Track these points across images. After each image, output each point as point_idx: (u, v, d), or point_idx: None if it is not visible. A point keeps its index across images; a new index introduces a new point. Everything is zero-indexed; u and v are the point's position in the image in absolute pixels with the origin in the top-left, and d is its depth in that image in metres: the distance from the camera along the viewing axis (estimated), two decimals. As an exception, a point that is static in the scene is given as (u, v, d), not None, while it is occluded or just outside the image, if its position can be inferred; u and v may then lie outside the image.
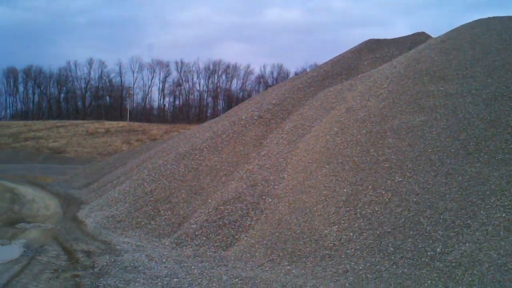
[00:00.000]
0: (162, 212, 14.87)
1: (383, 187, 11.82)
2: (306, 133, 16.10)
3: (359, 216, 11.25)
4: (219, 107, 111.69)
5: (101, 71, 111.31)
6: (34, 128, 79.63)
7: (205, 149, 17.72)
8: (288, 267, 10.37)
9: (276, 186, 13.62)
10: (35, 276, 9.63)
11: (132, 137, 69.50)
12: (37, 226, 15.63)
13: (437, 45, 17.59)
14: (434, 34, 23.70)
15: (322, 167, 13.57)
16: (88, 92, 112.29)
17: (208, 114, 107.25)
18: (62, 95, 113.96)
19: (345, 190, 12.25)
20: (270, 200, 13.09)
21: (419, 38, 23.48)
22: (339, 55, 23.58)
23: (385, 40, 24.00)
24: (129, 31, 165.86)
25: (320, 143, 14.81)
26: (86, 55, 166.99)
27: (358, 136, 14.16)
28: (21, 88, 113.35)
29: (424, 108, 14.18)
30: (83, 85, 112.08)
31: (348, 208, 11.60)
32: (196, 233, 12.93)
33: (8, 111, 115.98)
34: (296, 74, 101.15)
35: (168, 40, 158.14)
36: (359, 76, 19.19)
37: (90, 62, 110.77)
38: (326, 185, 12.75)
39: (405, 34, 25.19)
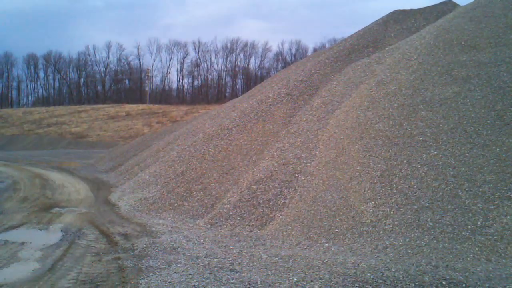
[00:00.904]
0: (194, 193, 14.93)
1: (418, 161, 11.65)
2: (335, 109, 15.92)
3: (395, 191, 11.12)
4: (237, 86, 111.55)
5: (120, 54, 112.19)
6: (56, 113, 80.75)
7: (234, 129, 17.67)
8: (326, 245, 10.33)
9: (309, 164, 13.52)
10: (77, 259, 9.76)
11: (152, 119, 69.99)
12: (71, 210, 15.83)
13: (467, 13, 17.12)
14: (461, 3, 23.14)
15: (355, 143, 13.42)
16: (108, 76, 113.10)
17: (227, 94, 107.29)
18: (82, 79, 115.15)
19: (379, 165, 12.10)
20: (303, 177, 13.01)
21: (446, 7, 22.90)
22: (365, 27, 23.13)
23: (411, 10, 23.44)
24: (146, 12, 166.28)
25: (351, 118, 14.64)
26: (104, 38, 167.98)
27: (390, 110, 13.94)
28: (41, 74, 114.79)
29: (457, 79, 13.89)
30: (102, 69, 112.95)
31: (383, 184, 11.47)
32: (230, 213, 12.96)
33: (30, 97, 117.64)
34: (314, 49, 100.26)
35: (184, 20, 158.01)
36: (387, 48, 18.84)
37: (109, 46, 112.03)
38: (359, 161, 12.62)
39: (428, 4, 24.63)
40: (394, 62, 16.53)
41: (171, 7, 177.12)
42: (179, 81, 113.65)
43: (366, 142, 13.23)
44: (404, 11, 23.35)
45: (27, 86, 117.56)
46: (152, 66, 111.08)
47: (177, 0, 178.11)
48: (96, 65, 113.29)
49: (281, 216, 12.00)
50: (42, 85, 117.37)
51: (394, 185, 11.29)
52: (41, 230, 12.76)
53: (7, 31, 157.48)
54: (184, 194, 15.08)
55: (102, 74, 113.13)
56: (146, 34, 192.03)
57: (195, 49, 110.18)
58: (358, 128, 13.98)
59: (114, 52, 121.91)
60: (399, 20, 22.50)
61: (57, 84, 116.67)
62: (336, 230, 10.76)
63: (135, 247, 10.60)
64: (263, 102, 18.73)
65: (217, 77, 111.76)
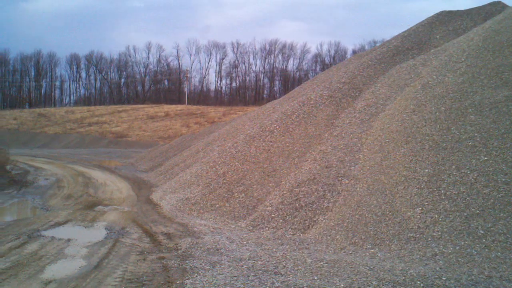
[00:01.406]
0: (235, 194, 14.91)
1: (467, 167, 11.30)
2: (379, 111, 15.63)
3: (443, 197, 10.81)
4: (275, 88, 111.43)
5: (159, 55, 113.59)
6: (97, 113, 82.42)
7: (275, 131, 17.57)
8: (372, 250, 10.11)
9: (352, 167, 13.30)
10: (122, 258, 9.84)
11: (190, 120, 70.61)
12: (114, 208, 16.06)
13: (518, 15, 16.59)
14: (510, 4, 22.46)
15: (400, 147, 13.13)
16: (147, 76, 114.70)
17: (264, 96, 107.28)
18: (123, 80, 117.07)
19: (426, 170, 11.79)
20: (347, 181, 12.80)
21: (495, 8, 22.23)
22: (409, 29, 22.70)
23: (457, 11, 22.87)
24: (185, 13, 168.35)
25: (396, 122, 14.34)
26: (144, 39, 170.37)
27: (437, 114, 13.59)
28: (83, 74, 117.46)
29: (508, 82, 13.43)
30: (142, 70, 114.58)
31: (431, 189, 11.17)
32: (272, 215, 12.86)
33: (72, 97, 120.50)
34: (354, 51, 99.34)
35: (223, 21, 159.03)
36: (432, 50, 18.41)
37: (149, 46, 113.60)
38: (405, 165, 12.34)
39: (474, 6, 23.99)
40: (441, 65, 16.13)
41: (209, 8, 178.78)
42: (217, 82, 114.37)
43: (412, 146, 12.93)
44: (450, 12, 22.79)
45: (69, 85, 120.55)
46: (191, 67, 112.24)
47: (216, 1, 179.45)
48: (136, 65, 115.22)
49: (324, 220, 11.83)
50: (84, 85, 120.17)
51: (442, 191, 10.98)
52: (85, 227, 12.97)
53: (51, 32, 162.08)
54: (226, 195, 15.07)
55: (142, 75, 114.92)
56: (185, 35, 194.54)
57: (233, 50, 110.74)
58: (404, 131, 13.68)
59: (154, 53, 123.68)
60: (445, 22, 21.97)
61: (98, 84, 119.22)
62: (382, 236, 10.53)
63: (179, 247, 10.63)
64: (305, 104, 18.57)
65: (255, 79, 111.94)
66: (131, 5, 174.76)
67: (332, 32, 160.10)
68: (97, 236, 11.79)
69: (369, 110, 16.06)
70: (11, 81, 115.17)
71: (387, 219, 10.93)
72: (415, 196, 11.22)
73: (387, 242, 10.31)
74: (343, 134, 15.36)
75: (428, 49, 18.96)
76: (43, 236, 11.60)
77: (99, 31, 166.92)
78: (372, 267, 9.03)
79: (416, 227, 10.40)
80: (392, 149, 13.22)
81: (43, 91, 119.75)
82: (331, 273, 8.66)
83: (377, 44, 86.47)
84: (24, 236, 11.41)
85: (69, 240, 11.25)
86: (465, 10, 22.98)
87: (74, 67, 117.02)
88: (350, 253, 10.09)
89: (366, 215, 11.25)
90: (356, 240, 10.64)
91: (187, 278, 8.52)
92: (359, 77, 18.95)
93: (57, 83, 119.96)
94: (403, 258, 9.53)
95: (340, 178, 13.04)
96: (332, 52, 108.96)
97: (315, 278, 8.43)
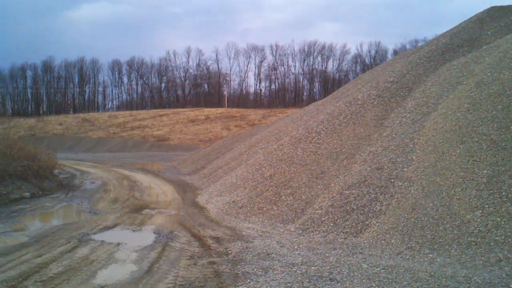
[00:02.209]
0: (283, 197, 14.61)
1: (530, 168, 10.70)
2: (431, 111, 15.06)
3: (505, 199, 10.25)
4: (314, 90, 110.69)
5: (199, 59, 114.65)
6: (139, 117, 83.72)
7: (322, 132, 17.19)
8: (431, 255, 9.65)
9: (405, 169, 12.81)
10: (173, 262, 9.70)
11: (231, 123, 70.80)
12: (161, 212, 16.02)
13: None
14: None
15: (456, 147, 12.58)
16: (187, 80, 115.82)
17: (304, 97, 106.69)
18: (163, 84, 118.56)
19: (485, 171, 11.24)
20: (400, 183, 12.32)
21: (549, 1, 21.30)
22: (457, 25, 21.92)
23: (509, 6, 21.93)
24: (223, 18, 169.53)
25: (450, 121, 13.77)
26: (184, 44, 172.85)
27: (494, 112, 12.98)
28: (125, 79, 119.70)
29: None
30: (182, 74, 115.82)
31: (491, 191, 10.62)
32: (322, 218, 12.51)
33: (114, 102, 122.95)
34: (395, 51, 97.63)
35: (262, 24, 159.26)
36: (484, 47, 17.67)
37: (188, 51, 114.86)
38: (462, 166, 11.79)
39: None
40: (495, 62, 15.44)
41: (248, 12, 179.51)
42: (256, 84, 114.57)
43: (468, 146, 12.37)
44: (501, 7, 21.88)
45: (112, 91, 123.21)
46: (230, 70, 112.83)
47: (254, 5, 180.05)
48: (177, 70, 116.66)
49: (377, 224, 11.40)
50: (125, 90, 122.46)
51: (503, 193, 10.42)
52: (134, 231, 12.93)
53: (94, 39, 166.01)
54: (273, 198, 14.80)
55: (182, 79, 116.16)
56: (224, 39, 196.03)
57: (272, 52, 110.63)
58: (459, 131, 13.12)
59: (193, 57, 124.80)
60: (496, 17, 21.10)
61: (139, 88, 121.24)
62: (440, 240, 10.06)
63: (229, 252, 10.42)
64: (352, 104, 18.13)
65: (294, 81, 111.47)
66: (171, 11, 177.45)
67: (373, 32, 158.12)
68: (146, 240, 11.71)
69: (420, 109, 15.50)
70: (56, 87, 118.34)
71: (445, 222, 10.44)
72: (474, 198, 10.70)
73: (446, 247, 9.84)
74: (393, 135, 14.86)
75: (480, 46, 18.20)
76: (93, 240, 11.59)
77: (140, 37, 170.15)
78: (432, 273, 8.60)
79: (477, 230, 9.89)
80: (447, 149, 12.68)
81: (86, 96, 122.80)
82: (389, 280, 8.27)
83: (419, 43, 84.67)
84: (74, 240, 11.43)
85: (118, 244, 11.20)
86: (517, 4, 22.06)
87: (116, 72, 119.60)
88: (408, 258, 9.66)
89: (422, 218, 10.78)
90: (413, 245, 10.19)
91: (239, 284, 8.30)
92: (408, 76, 18.36)
93: (100, 89, 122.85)
94: (465, 264, 9.05)
95: (392, 180, 12.57)
96: (373, 52, 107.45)
97: (373, 285, 8.07)
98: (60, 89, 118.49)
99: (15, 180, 19.29)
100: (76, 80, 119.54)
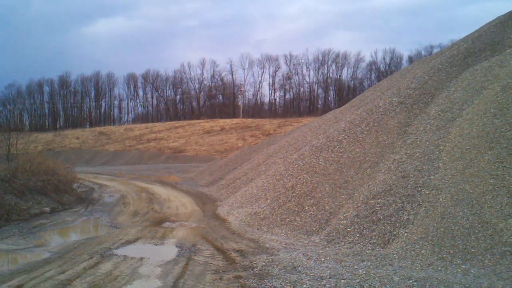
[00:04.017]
0: (306, 208, 14.32)
1: None
2: (456, 117, 14.71)
3: (539, 206, 9.90)
4: (329, 98, 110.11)
5: (213, 70, 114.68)
6: (155, 129, 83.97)
7: (344, 141, 16.89)
8: (464, 266, 9.32)
9: (432, 177, 12.46)
10: (198, 277, 9.47)
11: (246, 133, 70.67)
12: (182, 224, 15.83)
13: None
14: None
15: (484, 153, 12.24)
16: (202, 92, 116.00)
17: (319, 106, 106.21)
18: (178, 96, 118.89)
19: (516, 177, 10.89)
20: (427, 191, 11.98)
21: None
22: (479, 29, 21.53)
23: (531, 9, 21.56)
24: (237, 29, 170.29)
25: (476, 126, 13.43)
26: (198, 56, 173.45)
27: (522, 117, 12.63)
28: (140, 92, 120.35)
29: None
30: (197, 86, 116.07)
31: (524, 198, 10.27)
32: (348, 229, 12.20)
33: (130, 115, 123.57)
34: (410, 57, 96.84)
35: (275, 35, 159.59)
36: (508, 51, 17.29)
37: (203, 63, 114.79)
38: (492, 173, 11.45)
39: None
40: (520, 65, 15.09)
41: (262, 23, 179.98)
42: (271, 94, 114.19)
43: (497, 152, 12.03)
44: (523, 10, 21.47)
45: (127, 104, 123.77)
46: (245, 81, 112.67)
47: (269, 16, 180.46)
48: (191, 82, 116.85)
49: (406, 234, 11.05)
50: (141, 103, 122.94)
51: (537, 200, 10.07)
52: (156, 245, 12.74)
53: (109, 54, 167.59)
54: (296, 209, 14.51)
55: (197, 90, 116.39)
56: (239, 50, 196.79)
57: (286, 62, 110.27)
58: (486, 137, 12.77)
59: (208, 69, 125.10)
60: (518, 20, 20.69)
61: (155, 101, 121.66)
62: (473, 250, 9.72)
63: (254, 265, 10.17)
64: (373, 112, 17.81)
65: (309, 89, 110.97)
66: (186, 25, 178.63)
67: (387, 39, 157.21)
68: (169, 254, 11.50)
69: (445, 115, 15.14)
70: (72, 102, 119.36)
71: (477, 231, 10.10)
72: (506, 206, 10.36)
73: (479, 257, 9.50)
74: (418, 142, 14.52)
75: (503, 50, 17.81)
76: (115, 255, 11.42)
77: (155, 50, 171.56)
78: (467, 285, 8.29)
79: (511, 240, 9.55)
80: (475, 156, 12.33)
81: (102, 110, 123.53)
82: (424, 292, 7.96)
83: (435, 49, 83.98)
84: (97, 256, 11.27)
85: (141, 258, 11.00)
86: (539, 7, 21.62)
87: (132, 86, 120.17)
88: (440, 270, 9.33)
89: (453, 228, 10.45)
90: (444, 255, 9.86)
91: (268, 299, 8.05)
92: (430, 81, 18.01)
93: (116, 102, 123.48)
94: (501, 275, 8.71)
95: (419, 189, 12.23)
96: (388, 59, 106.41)
97: (407, 298, 7.76)
98: (77, 103, 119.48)
99: (35, 195, 19.27)
100: (92, 94, 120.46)
